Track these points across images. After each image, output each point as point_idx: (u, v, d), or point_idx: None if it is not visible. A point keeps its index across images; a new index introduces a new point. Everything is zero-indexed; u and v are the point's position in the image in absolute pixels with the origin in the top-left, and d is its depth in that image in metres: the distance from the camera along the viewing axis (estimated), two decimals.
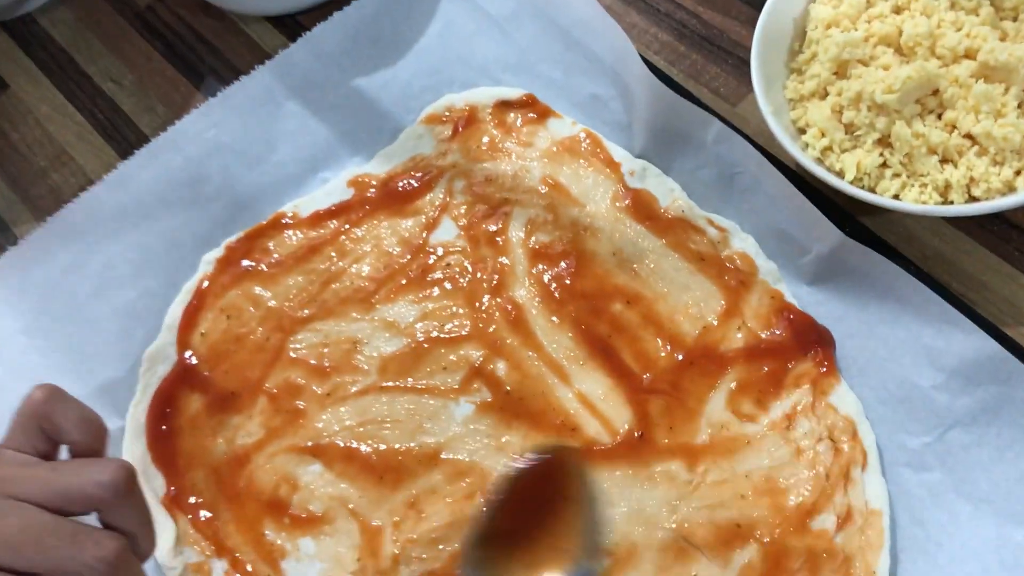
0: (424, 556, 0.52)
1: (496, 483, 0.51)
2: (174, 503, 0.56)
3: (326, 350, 0.59)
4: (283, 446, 0.56)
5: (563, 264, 0.58)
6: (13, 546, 0.38)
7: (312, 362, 0.58)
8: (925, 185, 0.54)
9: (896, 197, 0.54)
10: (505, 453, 0.54)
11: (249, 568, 0.53)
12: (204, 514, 0.55)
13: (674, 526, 0.50)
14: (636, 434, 0.53)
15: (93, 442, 0.43)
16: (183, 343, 0.59)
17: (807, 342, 0.53)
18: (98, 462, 0.41)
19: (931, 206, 0.52)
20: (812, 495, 0.50)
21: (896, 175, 0.54)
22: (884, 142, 0.55)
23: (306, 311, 0.60)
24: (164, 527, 0.55)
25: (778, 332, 0.54)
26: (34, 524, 0.39)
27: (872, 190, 0.54)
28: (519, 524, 0.49)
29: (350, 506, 0.54)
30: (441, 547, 0.52)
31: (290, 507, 0.55)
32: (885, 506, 0.49)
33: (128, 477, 0.41)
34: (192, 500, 0.56)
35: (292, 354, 0.59)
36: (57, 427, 0.42)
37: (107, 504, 0.41)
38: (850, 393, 0.52)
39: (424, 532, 0.53)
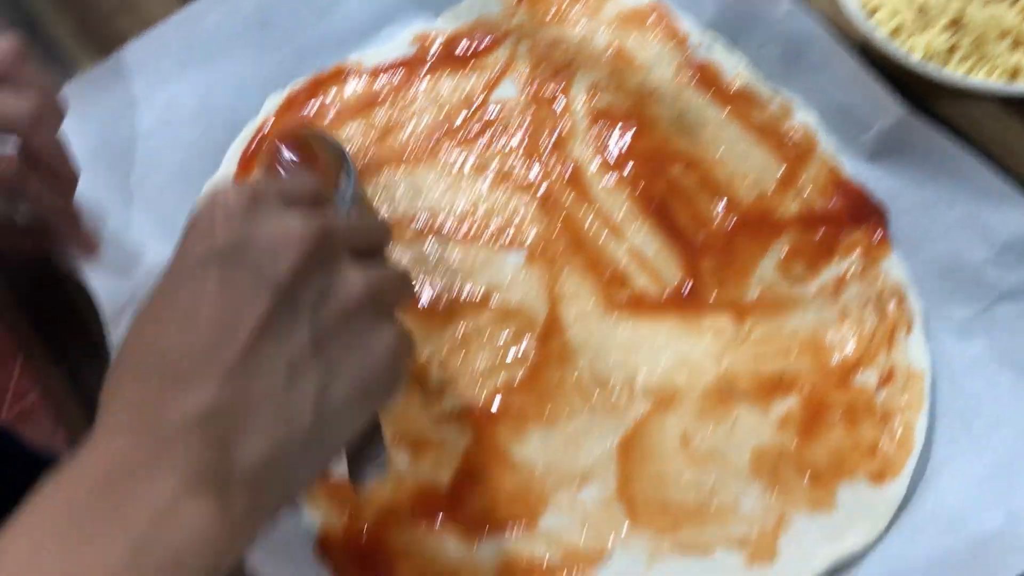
0: (469, 388, 0.53)
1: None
2: None
3: (382, 199, 0.59)
4: None
5: (624, 126, 0.59)
6: None
7: None
8: (994, 68, 0.54)
9: None
10: (553, 300, 0.55)
11: None
12: None
13: (718, 374, 0.51)
14: (685, 289, 0.54)
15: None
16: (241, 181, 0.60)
17: (861, 214, 0.54)
18: None
19: (998, 83, 0.53)
20: (855, 354, 0.51)
21: (964, 58, 0.55)
22: (955, 25, 0.55)
23: (365, 159, 0.60)
24: None
25: (834, 203, 0.55)
26: None
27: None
28: None
29: None
30: (487, 381, 0.53)
31: None
32: (927, 369, 0.50)
33: (20, 44, 0.46)
34: None
35: None
36: None
37: (8, 66, 0.46)
38: (901, 263, 0.53)
39: (471, 367, 0.54)
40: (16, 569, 0.30)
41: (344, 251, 0.38)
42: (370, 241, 0.42)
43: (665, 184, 0.57)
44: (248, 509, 0.33)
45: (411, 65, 0.63)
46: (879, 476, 0.48)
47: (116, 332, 0.52)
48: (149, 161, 0.61)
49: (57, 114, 0.50)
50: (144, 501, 0.31)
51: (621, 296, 0.54)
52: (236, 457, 0.33)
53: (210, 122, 0.63)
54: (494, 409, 0.52)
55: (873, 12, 0.57)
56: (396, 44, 0.64)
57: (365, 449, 0.41)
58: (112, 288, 0.54)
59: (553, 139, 0.59)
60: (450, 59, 0.63)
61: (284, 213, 0.37)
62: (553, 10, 0.63)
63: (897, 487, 0.48)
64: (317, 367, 0.35)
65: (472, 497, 0.50)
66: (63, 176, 0.51)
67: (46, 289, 0.60)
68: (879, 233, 0.54)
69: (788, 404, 0.50)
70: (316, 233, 0.36)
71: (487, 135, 0.60)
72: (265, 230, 0.36)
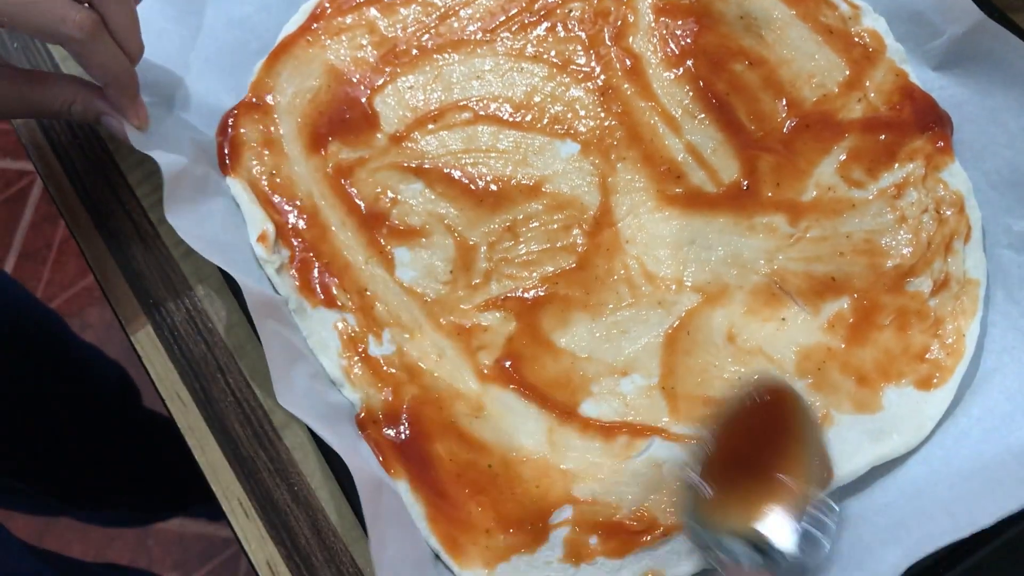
0: (516, 275, 0.53)
1: (716, 414, 0.46)
2: (270, 205, 0.57)
3: (437, 82, 0.59)
4: (386, 163, 0.57)
5: (688, 21, 0.57)
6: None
7: (419, 96, 0.58)
8: None
9: None
10: (605, 192, 0.54)
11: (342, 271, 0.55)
12: (300, 218, 0.56)
13: (769, 273, 0.51)
14: (742, 186, 0.53)
15: None
16: None
17: (926, 121, 0.53)
18: None
19: None
20: (911, 258, 0.50)
21: None
22: None
23: (421, 41, 0.60)
24: (262, 224, 0.56)
25: (898, 108, 0.54)
26: None
27: None
28: (741, 458, 0.45)
29: (447, 223, 0.55)
30: (534, 269, 0.53)
31: (388, 219, 0.55)
32: (983, 277, 0.49)
33: None
34: (290, 203, 0.57)
35: (401, 83, 0.59)
36: None
37: None
38: (962, 171, 0.52)
39: (518, 254, 0.54)
40: None
41: None
42: None
43: (727, 81, 0.56)
44: None
45: None
46: (927, 381, 0.48)
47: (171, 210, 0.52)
48: (204, 37, 0.61)
49: None
50: None
51: (675, 190, 0.54)
52: None
53: (264, 0, 0.62)
54: (540, 296, 0.52)
55: None
56: None
57: None
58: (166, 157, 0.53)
59: (615, 31, 0.58)
60: None
61: None
62: None
63: (945, 393, 0.48)
64: None
65: (513, 380, 0.51)
66: (129, 48, 0.50)
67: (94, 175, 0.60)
68: (942, 141, 0.52)
69: (839, 305, 0.50)
70: None
71: (547, 23, 0.59)
72: None
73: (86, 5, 0.47)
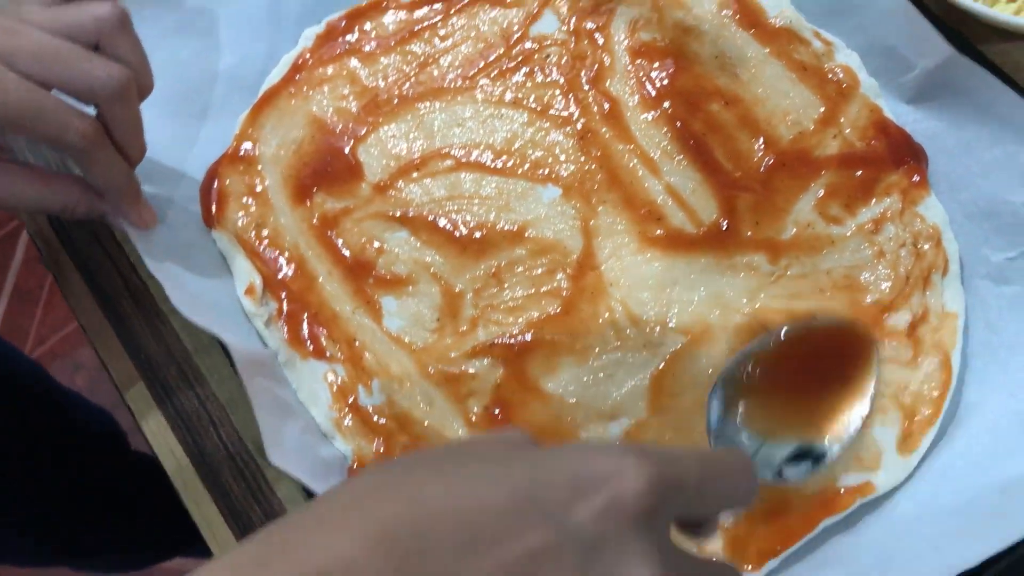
0: (502, 321, 0.54)
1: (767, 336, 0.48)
2: (257, 257, 0.57)
3: (419, 131, 0.59)
4: (371, 212, 0.57)
5: (663, 63, 0.58)
6: (35, 56, 0.44)
7: (402, 145, 0.59)
8: None
9: None
10: (588, 235, 0.55)
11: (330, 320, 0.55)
12: (287, 269, 0.57)
13: (751, 312, 0.52)
14: (722, 226, 0.54)
15: None
16: None
17: (901, 155, 0.54)
18: (98, 2, 0.47)
19: None
20: (890, 293, 0.51)
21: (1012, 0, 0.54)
22: None
23: (402, 90, 0.60)
24: (249, 276, 0.56)
25: (873, 144, 0.54)
26: (51, 43, 0.45)
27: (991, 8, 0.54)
28: (786, 380, 0.47)
29: (433, 271, 0.55)
30: (520, 315, 0.53)
31: (375, 268, 0.56)
32: (961, 309, 0.50)
33: (123, 13, 0.47)
34: (276, 255, 0.57)
35: (383, 132, 0.60)
36: None
37: (106, 34, 0.47)
38: (938, 204, 0.53)
39: (504, 300, 0.54)
40: None
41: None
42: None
43: (704, 121, 0.56)
44: None
45: None
46: (911, 415, 0.49)
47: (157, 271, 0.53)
48: (187, 89, 0.61)
49: (144, 90, 0.50)
50: None
51: (656, 232, 0.54)
52: None
53: (248, 52, 0.63)
54: (527, 341, 0.53)
55: None
56: None
57: None
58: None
59: (592, 74, 0.59)
60: None
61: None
62: None
63: (929, 429, 0.48)
64: None
65: (502, 427, 0.51)
66: (131, 152, 0.51)
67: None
68: (918, 175, 0.53)
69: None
70: None
71: (525, 69, 0.60)
72: None
73: (91, 111, 0.48)
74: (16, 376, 0.84)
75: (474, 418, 0.51)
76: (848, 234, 0.53)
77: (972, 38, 0.57)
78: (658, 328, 0.52)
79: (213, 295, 0.54)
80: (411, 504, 0.28)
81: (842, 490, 0.47)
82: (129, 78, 0.47)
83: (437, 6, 0.62)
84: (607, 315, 0.53)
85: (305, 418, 0.52)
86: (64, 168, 0.60)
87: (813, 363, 0.48)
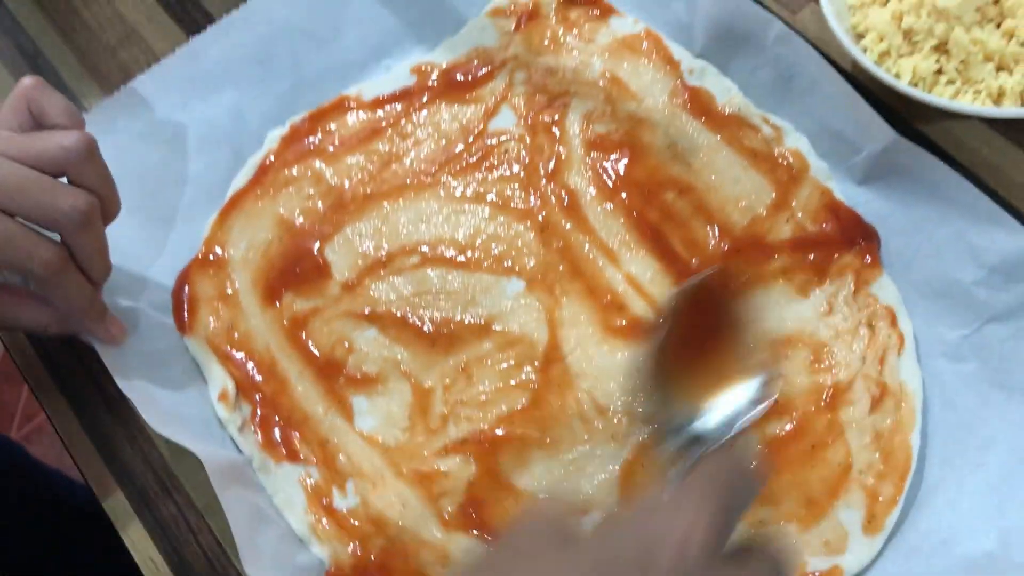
0: (472, 417, 0.54)
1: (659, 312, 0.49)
2: (230, 361, 0.58)
3: (384, 228, 0.61)
4: (340, 311, 0.58)
5: (618, 154, 0.60)
6: (2, 187, 0.45)
7: (368, 243, 0.60)
8: (979, 92, 0.55)
9: None
10: (553, 327, 0.56)
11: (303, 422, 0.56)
12: (259, 372, 0.58)
13: None
14: None
15: (71, 126, 0.49)
16: None
17: (853, 236, 0.55)
18: (65, 132, 0.48)
19: (987, 107, 0.54)
20: (848, 374, 0.52)
21: (951, 82, 0.56)
22: (941, 48, 0.56)
23: (367, 189, 0.62)
24: (222, 382, 0.57)
25: (825, 226, 0.56)
26: (17, 174, 0.46)
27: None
28: (688, 347, 0.45)
29: (403, 368, 0.56)
30: (489, 410, 0.54)
31: (345, 367, 0.57)
32: (919, 389, 0.51)
33: (88, 141, 0.48)
34: (248, 358, 0.58)
35: (350, 231, 0.61)
36: (41, 109, 0.49)
37: (72, 164, 0.48)
38: (891, 284, 0.54)
39: (473, 395, 0.55)
40: None
41: None
42: None
43: (659, 210, 0.58)
44: None
45: (410, 96, 0.64)
46: (874, 496, 0.49)
47: (127, 389, 0.54)
48: (156, 194, 0.62)
49: (110, 215, 0.52)
50: None
51: (619, 322, 0.56)
52: None
53: (214, 156, 0.64)
54: (498, 436, 0.54)
55: (861, 37, 0.58)
56: (395, 75, 0.65)
57: None
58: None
59: (550, 167, 0.60)
60: (448, 89, 0.64)
61: None
62: (548, 38, 0.64)
63: (893, 509, 0.49)
64: None
65: (476, 526, 0.52)
66: (96, 275, 0.52)
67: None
68: (870, 256, 0.55)
69: (782, 427, 0.52)
70: None
71: (486, 164, 0.62)
72: None
73: (56, 238, 0.49)
74: None
75: (448, 517, 0.52)
76: (806, 316, 0.54)
77: (914, 118, 0.58)
78: (625, 419, 0.53)
79: (186, 404, 0.55)
80: None
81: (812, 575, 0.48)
82: (92, 207, 0.48)
83: (398, 105, 0.64)
84: (575, 407, 0.54)
85: (281, 525, 0.53)
86: None
87: (702, 324, 0.46)
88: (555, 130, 0.61)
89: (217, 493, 0.49)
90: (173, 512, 0.56)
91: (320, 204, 0.62)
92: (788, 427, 0.52)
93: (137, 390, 0.52)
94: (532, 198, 0.60)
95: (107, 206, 0.51)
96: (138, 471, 0.57)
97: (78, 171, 0.49)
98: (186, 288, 0.60)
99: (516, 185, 0.60)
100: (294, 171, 0.63)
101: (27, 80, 0.50)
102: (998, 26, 0.56)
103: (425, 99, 0.64)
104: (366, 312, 0.58)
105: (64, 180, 0.49)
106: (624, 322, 0.56)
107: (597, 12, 0.64)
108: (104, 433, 0.58)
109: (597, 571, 0.31)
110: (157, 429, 0.51)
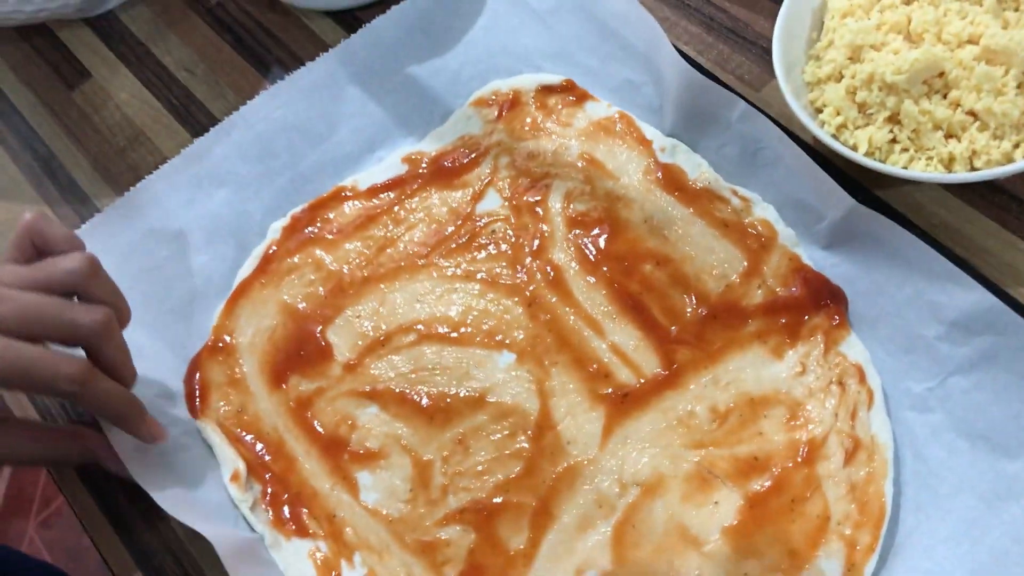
0: (470, 486, 0.57)
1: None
2: (240, 443, 0.61)
3: (382, 309, 0.64)
4: (343, 391, 0.62)
5: (598, 230, 0.64)
6: (20, 318, 0.49)
7: (367, 324, 0.64)
8: (931, 158, 0.59)
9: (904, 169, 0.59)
10: (543, 397, 0.59)
11: (311, 499, 0.59)
12: (268, 452, 0.61)
13: (699, 459, 0.56)
14: (665, 379, 0.58)
15: (72, 251, 0.53)
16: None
17: (821, 299, 0.59)
18: (67, 256, 0.52)
19: (937, 173, 0.58)
20: (821, 430, 0.55)
21: (904, 149, 0.60)
22: (894, 119, 0.60)
23: (364, 272, 0.66)
24: (233, 463, 0.60)
25: (794, 289, 0.59)
26: (34, 302, 0.49)
27: (883, 163, 0.59)
28: None
29: (403, 443, 0.59)
30: (486, 479, 0.57)
31: (349, 444, 0.60)
32: (889, 440, 0.54)
33: (91, 260, 0.52)
34: (257, 439, 0.61)
35: (350, 313, 0.64)
36: (45, 240, 0.53)
37: (79, 284, 0.51)
38: (859, 343, 0.57)
39: (470, 466, 0.58)
40: None
41: None
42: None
43: (639, 282, 0.62)
44: None
45: (402, 183, 0.68)
46: (852, 545, 0.52)
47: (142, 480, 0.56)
48: (165, 288, 0.66)
49: (123, 321, 0.55)
50: None
51: (606, 390, 0.59)
52: None
53: (219, 249, 0.68)
54: (495, 504, 0.57)
55: (819, 111, 0.62)
56: (387, 165, 0.70)
57: None
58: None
59: (535, 245, 0.64)
60: (438, 176, 0.68)
61: None
62: (528, 124, 0.69)
63: (870, 557, 0.52)
64: None
65: None
66: (123, 378, 0.54)
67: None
68: (837, 316, 0.58)
69: (763, 481, 0.54)
70: None
71: (475, 244, 0.65)
72: None
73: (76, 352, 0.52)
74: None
75: None
76: (782, 376, 0.57)
77: (874, 186, 0.62)
78: (616, 483, 0.56)
79: (200, 488, 0.58)
80: None
81: None
82: (110, 317, 0.52)
83: (391, 193, 0.68)
84: (567, 472, 0.57)
85: None
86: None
87: None
88: (538, 210, 0.65)
89: (230, 574, 0.52)
90: None
91: (321, 289, 0.66)
92: (768, 483, 0.54)
93: (151, 477, 0.56)
94: (519, 274, 0.63)
95: (119, 314, 0.54)
96: (156, 551, 0.60)
97: (86, 288, 0.52)
98: (197, 375, 0.63)
99: (504, 263, 0.64)
100: (296, 259, 0.67)
101: (28, 215, 0.53)
102: (944, 96, 0.60)
103: (416, 186, 0.68)
104: (367, 390, 0.62)
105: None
106: (610, 390, 0.59)
107: (573, 98, 0.69)
108: (121, 514, 0.61)
109: None
110: (171, 513, 0.54)
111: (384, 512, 0.58)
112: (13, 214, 0.76)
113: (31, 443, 0.54)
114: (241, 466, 0.60)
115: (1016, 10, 0.61)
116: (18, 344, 0.48)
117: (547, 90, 0.70)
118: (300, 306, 0.65)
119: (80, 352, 0.53)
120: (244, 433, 0.61)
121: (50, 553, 1.59)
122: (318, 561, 0.57)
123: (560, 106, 0.69)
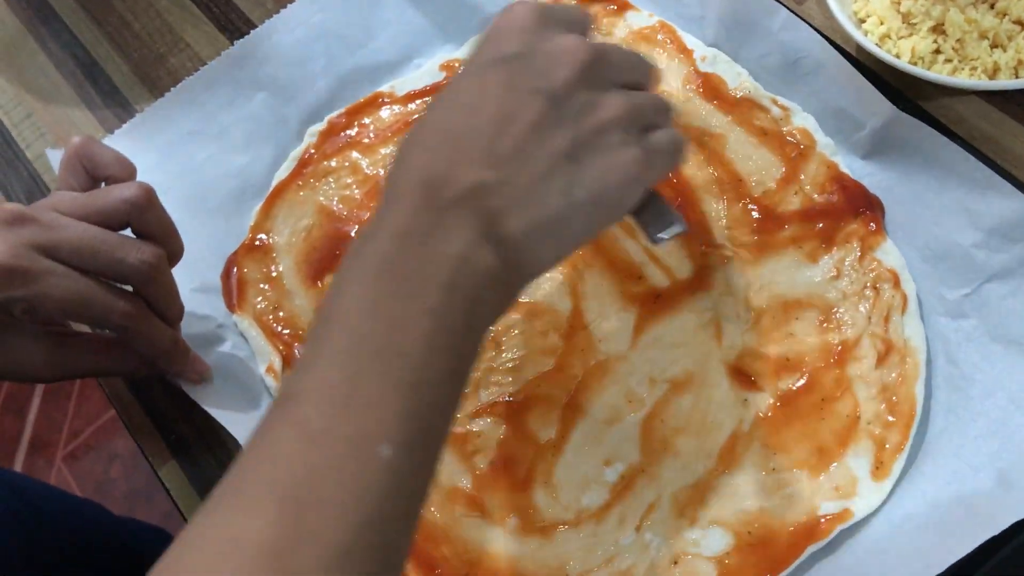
0: (502, 381, 0.58)
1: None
2: (276, 337, 0.62)
3: None
4: None
5: None
6: (76, 250, 0.49)
7: None
8: (975, 68, 0.58)
9: None
10: (577, 298, 0.60)
11: None
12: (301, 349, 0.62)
13: (729, 358, 0.56)
14: (697, 281, 0.59)
15: (125, 176, 0.53)
16: None
17: (858, 206, 0.59)
18: (123, 185, 0.52)
19: (981, 81, 0.57)
20: (855, 332, 0.55)
21: (948, 60, 0.59)
22: (938, 29, 0.60)
23: None
24: (269, 357, 0.61)
25: (832, 196, 0.59)
26: (87, 234, 0.49)
27: (927, 71, 0.59)
28: None
29: None
30: (517, 375, 0.58)
31: None
32: (922, 343, 0.54)
33: (148, 192, 0.52)
34: (293, 334, 0.62)
35: None
36: (95, 163, 0.52)
37: (134, 215, 0.51)
38: (895, 249, 0.57)
39: (502, 362, 0.59)
40: (350, 305, 0.38)
41: (611, 74, 0.43)
42: (635, 74, 0.46)
43: (675, 187, 0.61)
44: (519, 264, 0.41)
45: (440, 90, 0.68)
46: (882, 444, 0.52)
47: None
48: (204, 189, 0.67)
49: (174, 258, 0.55)
50: (444, 254, 0.38)
51: (637, 289, 0.59)
52: (503, 226, 0.39)
53: (258, 151, 0.69)
54: (525, 399, 0.57)
55: (863, 21, 0.62)
56: (425, 72, 0.70)
57: (649, 214, 0.46)
58: None
59: None
60: None
61: (566, 34, 0.43)
62: None
63: (901, 454, 0.52)
64: (568, 168, 0.41)
65: (505, 482, 0.55)
66: (172, 316, 0.55)
67: None
68: (874, 223, 0.58)
69: (794, 382, 0.55)
70: (591, 53, 0.42)
71: None
72: (548, 45, 0.42)
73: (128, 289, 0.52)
74: (67, 522, 0.86)
75: (479, 472, 0.56)
76: (816, 280, 0.57)
77: (915, 96, 0.62)
78: (645, 379, 0.57)
79: (234, 379, 0.59)
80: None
81: (823, 519, 0.51)
82: (159, 258, 0.51)
83: (428, 99, 0.68)
84: (596, 370, 0.57)
85: None
86: None
87: None
88: None
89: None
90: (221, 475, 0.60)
91: (357, 192, 0.66)
92: (800, 382, 0.55)
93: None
94: None
95: (171, 250, 0.53)
96: (191, 441, 0.61)
97: (141, 221, 0.51)
98: (234, 270, 0.64)
99: None
100: (332, 162, 0.67)
101: (76, 139, 0.53)
102: (992, 6, 0.59)
103: None
104: None
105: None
106: (642, 290, 0.59)
107: (614, 7, 0.69)
108: (158, 408, 0.63)
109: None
110: (203, 405, 0.55)
111: None
112: (57, 117, 0.76)
113: (95, 355, 0.55)
114: (276, 360, 0.61)
115: None
116: (75, 275, 0.49)
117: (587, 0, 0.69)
118: (336, 207, 0.66)
119: None
120: (280, 328, 0.62)
121: (79, 485, 1.62)
122: None
123: (601, 15, 0.69)
